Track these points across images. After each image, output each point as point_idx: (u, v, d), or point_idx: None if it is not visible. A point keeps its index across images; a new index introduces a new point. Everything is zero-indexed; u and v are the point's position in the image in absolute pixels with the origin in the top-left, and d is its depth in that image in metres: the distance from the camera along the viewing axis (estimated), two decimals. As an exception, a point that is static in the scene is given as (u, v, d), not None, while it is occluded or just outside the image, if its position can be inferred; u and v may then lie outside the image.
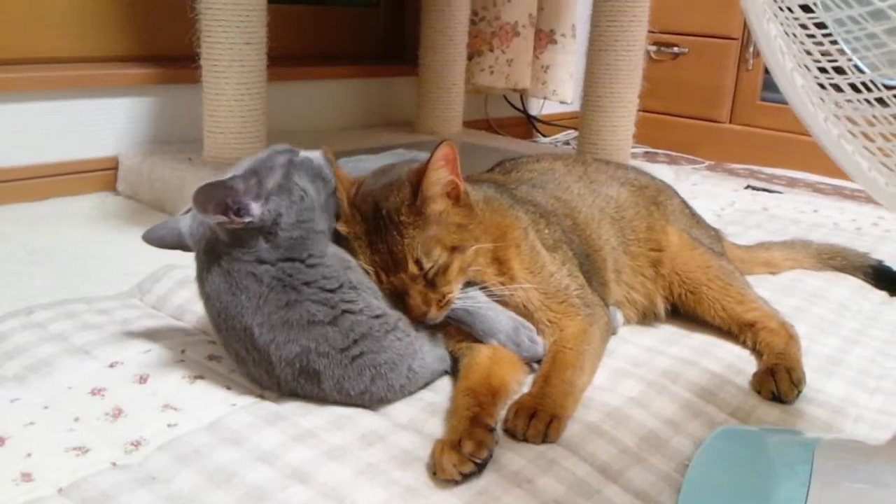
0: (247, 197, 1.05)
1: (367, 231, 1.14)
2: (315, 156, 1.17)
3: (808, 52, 0.70)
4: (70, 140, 2.09)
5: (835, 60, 0.71)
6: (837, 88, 0.72)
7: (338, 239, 1.16)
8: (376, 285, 1.14)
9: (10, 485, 0.90)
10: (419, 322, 1.15)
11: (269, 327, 1.06)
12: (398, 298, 1.14)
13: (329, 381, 1.07)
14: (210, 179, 1.05)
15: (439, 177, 1.13)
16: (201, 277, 1.12)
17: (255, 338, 1.07)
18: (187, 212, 1.17)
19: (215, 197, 1.03)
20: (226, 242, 1.08)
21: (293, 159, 1.13)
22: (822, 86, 0.71)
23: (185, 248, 1.15)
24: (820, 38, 0.71)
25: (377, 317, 1.10)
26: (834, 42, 0.67)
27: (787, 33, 0.70)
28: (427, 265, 1.12)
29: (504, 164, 1.54)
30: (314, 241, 1.10)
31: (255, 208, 1.06)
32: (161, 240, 1.17)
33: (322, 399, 1.10)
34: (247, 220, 1.05)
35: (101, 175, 2.14)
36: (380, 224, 1.12)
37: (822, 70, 0.72)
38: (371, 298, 1.12)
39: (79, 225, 1.88)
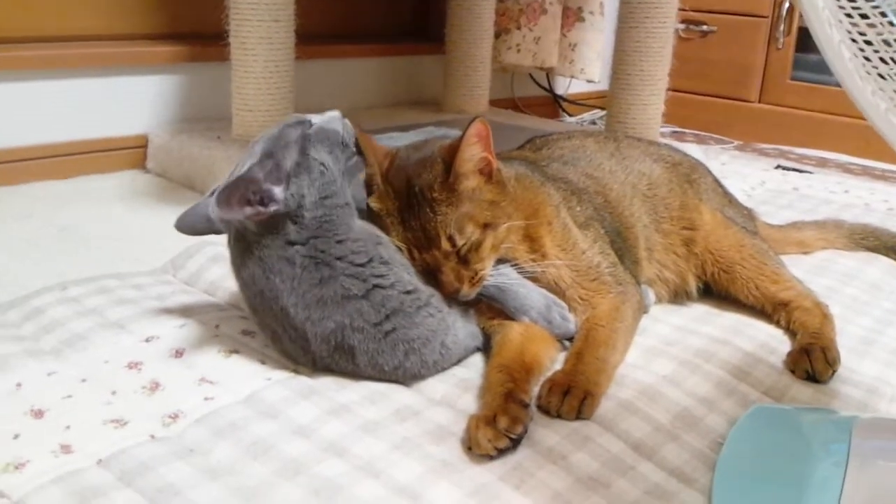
0: (268, 183, 1.04)
1: (399, 208, 1.14)
2: (327, 119, 1.15)
3: (855, 24, 0.69)
4: (100, 118, 2.10)
5: (882, 33, 0.70)
6: (883, 61, 0.71)
7: (370, 215, 1.16)
8: (409, 262, 1.14)
9: (49, 457, 0.91)
10: (452, 299, 1.15)
11: (305, 306, 1.06)
12: (431, 275, 1.14)
13: (363, 356, 1.08)
14: (226, 180, 1.05)
15: (472, 153, 1.13)
16: (236, 264, 1.12)
17: (292, 317, 1.07)
18: (212, 194, 1.16)
19: (236, 193, 1.03)
20: (254, 231, 1.07)
21: (306, 132, 1.11)
22: (867, 58, 0.70)
23: (217, 232, 1.15)
24: (866, 10, 0.70)
25: (408, 292, 1.10)
26: (883, 14, 0.66)
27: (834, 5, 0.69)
28: (460, 242, 1.11)
29: (534, 142, 1.53)
30: (340, 216, 1.09)
31: (278, 193, 1.05)
32: (192, 228, 1.18)
33: (357, 375, 1.10)
34: (272, 208, 1.04)
35: (131, 153, 2.16)
36: (412, 201, 1.12)
37: (868, 43, 0.71)
38: (403, 273, 1.11)
39: (109, 203, 1.90)
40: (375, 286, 1.08)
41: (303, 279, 1.06)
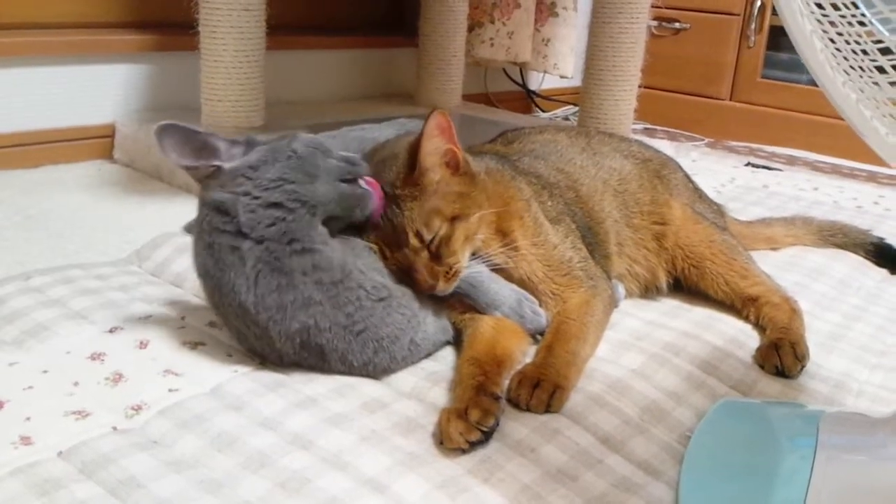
0: (224, 143, 1.04)
1: None
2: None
3: (826, 15, 0.69)
4: (67, 107, 2.07)
5: (851, 22, 0.70)
6: (854, 53, 0.71)
7: None
8: (381, 262, 1.12)
9: (9, 448, 0.89)
10: (425, 294, 1.13)
11: (265, 307, 1.03)
12: (405, 275, 1.12)
13: (333, 354, 1.06)
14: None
15: (435, 146, 1.12)
16: (193, 254, 1.09)
17: (253, 315, 1.04)
18: None
19: (191, 143, 1.04)
20: (204, 201, 1.05)
21: (299, 134, 1.09)
22: (838, 49, 0.70)
23: None
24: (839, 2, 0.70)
25: (381, 299, 1.08)
26: (854, 5, 0.66)
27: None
28: (427, 237, 1.10)
29: (506, 135, 1.53)
30: (298, 221, 1.04)
31: (227, 149, 1.04)
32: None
33: (326, 371, 1.08)
34: (214, 162, 1.03)
35: (98, 142, 2.12)
36: None
37: (840, 34, 0.71)
38: (377, 277, 1.09)
39: (75, 192, 1.86)
40: (345, 301, 1.05)
41: (259, 282, 1.02)
